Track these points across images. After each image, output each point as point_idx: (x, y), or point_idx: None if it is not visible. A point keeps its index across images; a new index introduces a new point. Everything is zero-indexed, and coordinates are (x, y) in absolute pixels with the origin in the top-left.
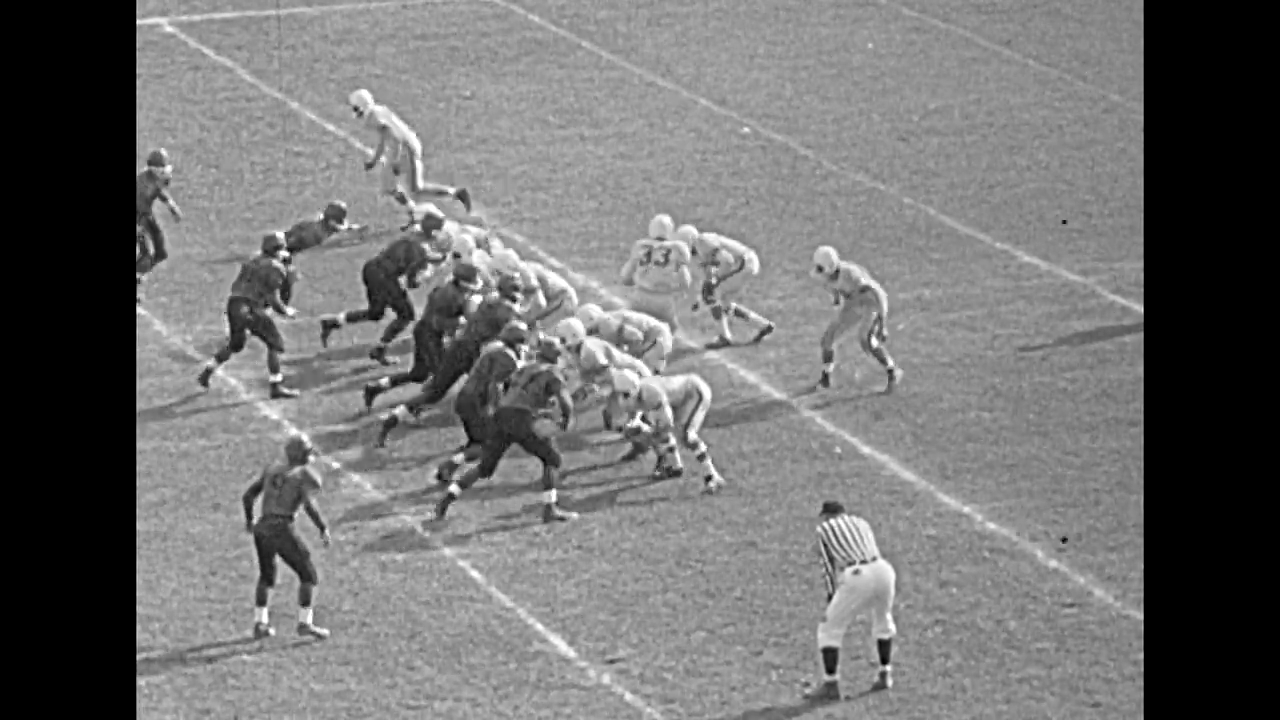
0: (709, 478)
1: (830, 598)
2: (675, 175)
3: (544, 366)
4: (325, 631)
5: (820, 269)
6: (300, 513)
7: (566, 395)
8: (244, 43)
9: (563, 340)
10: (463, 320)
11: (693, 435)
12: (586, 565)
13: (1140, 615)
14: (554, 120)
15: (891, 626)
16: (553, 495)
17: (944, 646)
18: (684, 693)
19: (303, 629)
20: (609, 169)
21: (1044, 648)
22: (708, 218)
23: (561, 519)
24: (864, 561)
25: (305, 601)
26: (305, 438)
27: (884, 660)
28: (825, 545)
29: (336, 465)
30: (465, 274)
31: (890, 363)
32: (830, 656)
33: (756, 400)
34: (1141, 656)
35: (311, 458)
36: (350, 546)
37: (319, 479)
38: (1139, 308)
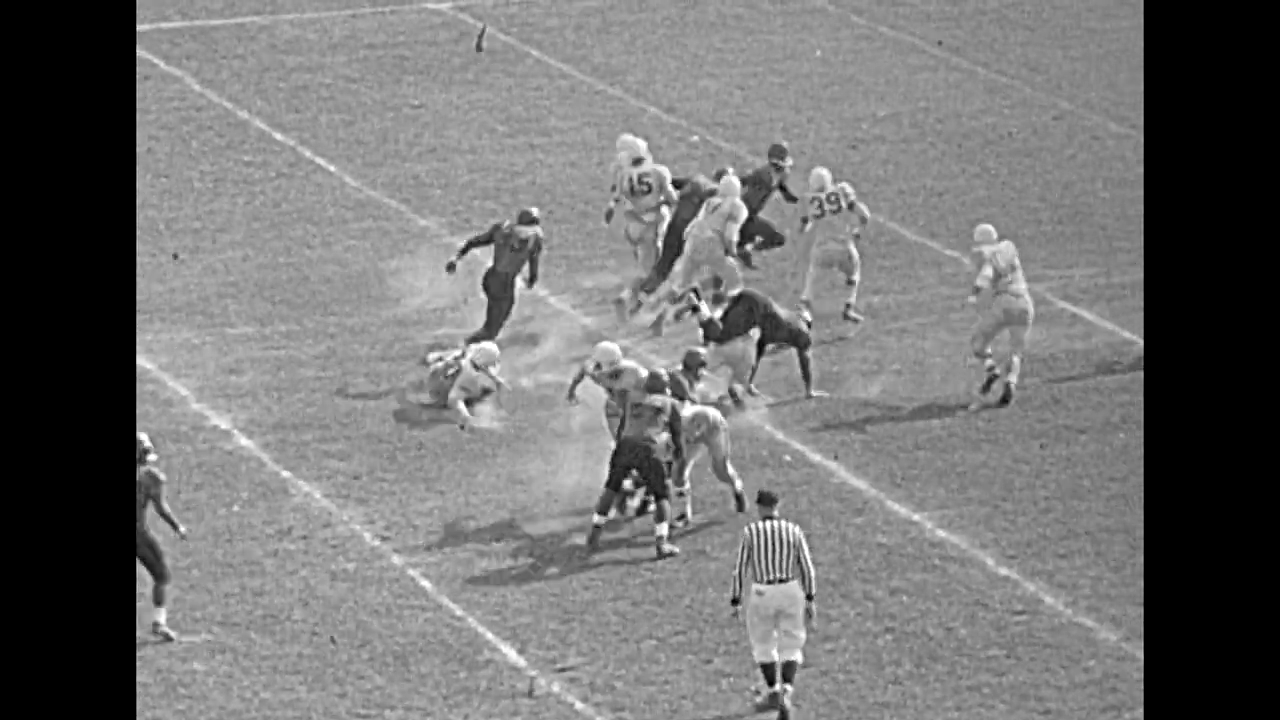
0: (681, 516)
1: (735, 600)
2: None
3: (660, 400)
4: (175, 634)
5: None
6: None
7: (681, 433)
8: (193, 52)
9: (598, 365)
10: None
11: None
12: (537, 574)
13: (1090, 622)
14: (503, 129)
15: (798, 656)
16: (665, 529)
17: (894, 654)
18: (634, 701)
19: (155, 628)
20: (558, 177)
21: (994, 655)
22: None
23: (672, 554)
24: (770, 582)
25: (159, 601)
26: (145, 437)
27: (786, 679)
28: (748, 550)
29: (286, 474)
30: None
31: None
32: (767, 670)
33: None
34: (1092, 664)
35: (151, 457)
36: (300, 555)
37: (163, 476)
38: (1089, 315)
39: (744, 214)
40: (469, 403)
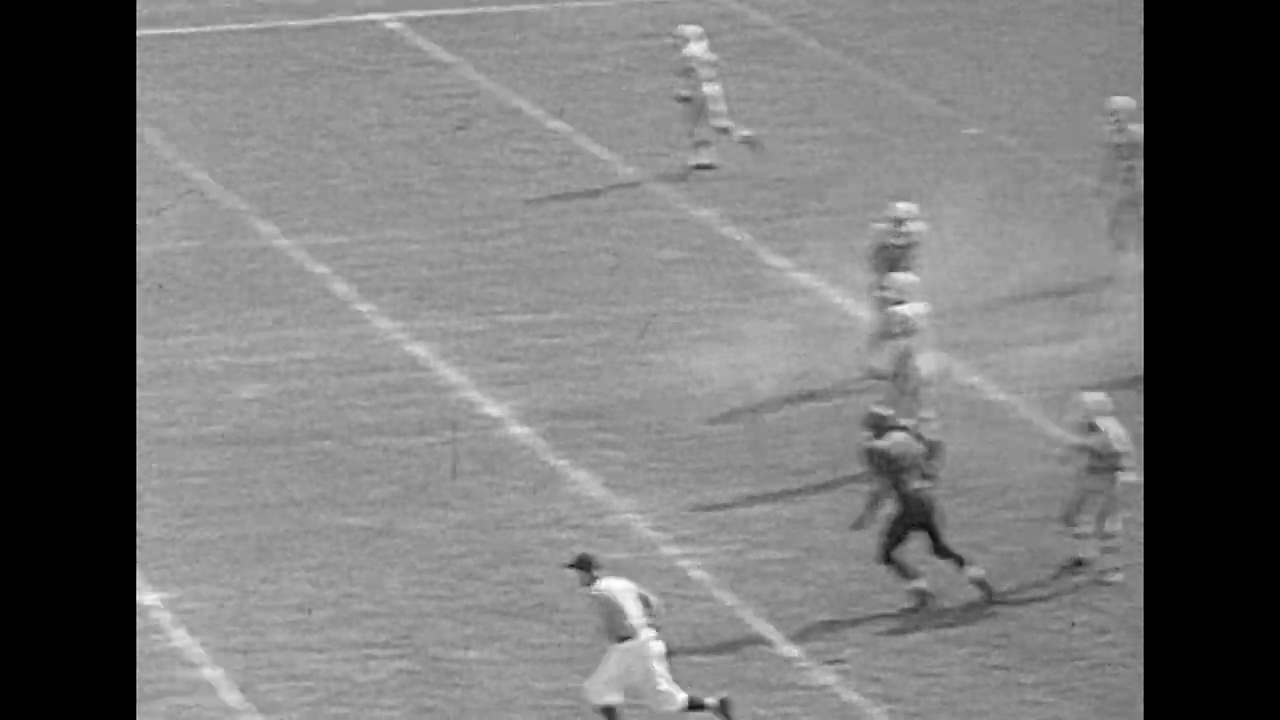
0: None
1: None
2: None
3: None
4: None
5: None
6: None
7: None
8: (469, 40)
9: None
10: None
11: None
12: (810, 566)
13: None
14: (774, 120)
15: None
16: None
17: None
18: (905, 692)
19: None
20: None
21: None
22: None
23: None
24: None
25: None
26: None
27: None
28: None
29: (560, 463)
30: None
31: None
32: None
33: None
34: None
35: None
36: (573, 545)
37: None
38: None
39: None
40: None
